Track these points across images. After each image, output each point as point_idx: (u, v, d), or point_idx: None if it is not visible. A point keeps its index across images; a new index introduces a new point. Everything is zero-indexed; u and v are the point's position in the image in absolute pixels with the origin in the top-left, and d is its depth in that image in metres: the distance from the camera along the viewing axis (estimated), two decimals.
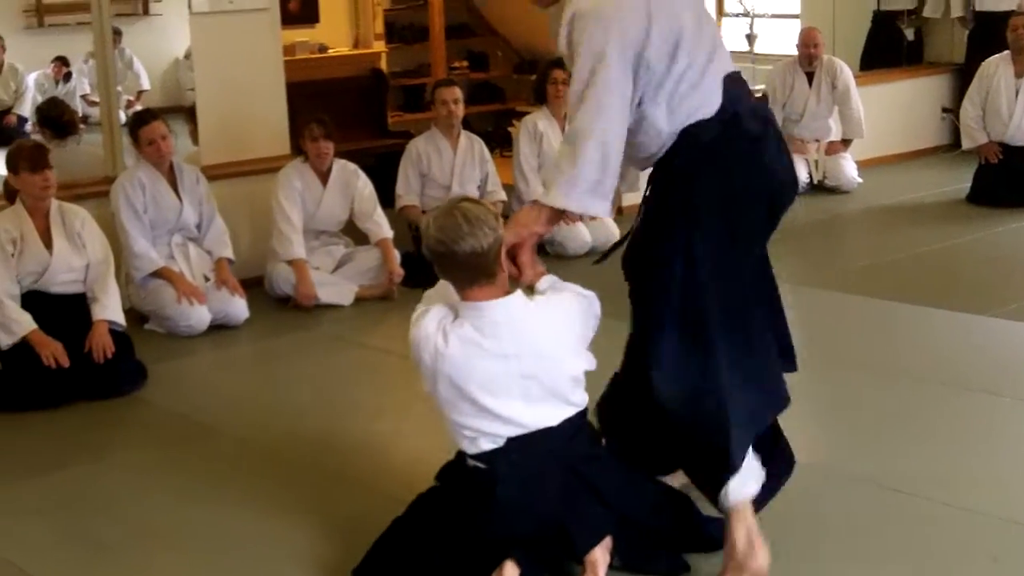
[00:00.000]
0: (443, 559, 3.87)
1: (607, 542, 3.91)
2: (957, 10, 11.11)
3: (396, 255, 7.49)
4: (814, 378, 5.89)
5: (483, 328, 3.81)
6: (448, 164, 7.98)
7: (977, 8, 10.86)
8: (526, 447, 3.88)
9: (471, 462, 3.92)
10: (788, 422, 5.39)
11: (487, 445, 3.87)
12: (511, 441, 3.87)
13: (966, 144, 9.50)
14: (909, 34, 11.41)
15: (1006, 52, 9.32)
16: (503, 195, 8.10)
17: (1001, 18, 10.62)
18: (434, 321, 3.82)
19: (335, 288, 7.32)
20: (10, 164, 6.09)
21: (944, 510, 4.41)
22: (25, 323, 5.89)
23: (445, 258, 3.78)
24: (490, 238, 3.75)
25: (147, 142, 6.87)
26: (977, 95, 9.39)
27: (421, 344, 3.81)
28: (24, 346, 5.87)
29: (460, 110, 8.02)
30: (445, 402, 3.86)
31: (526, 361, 3.85)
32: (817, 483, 4.70)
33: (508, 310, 3.84)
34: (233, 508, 4.64)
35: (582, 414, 4.03)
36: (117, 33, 11.00)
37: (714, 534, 4.07)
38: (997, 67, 9.32)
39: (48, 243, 6.05)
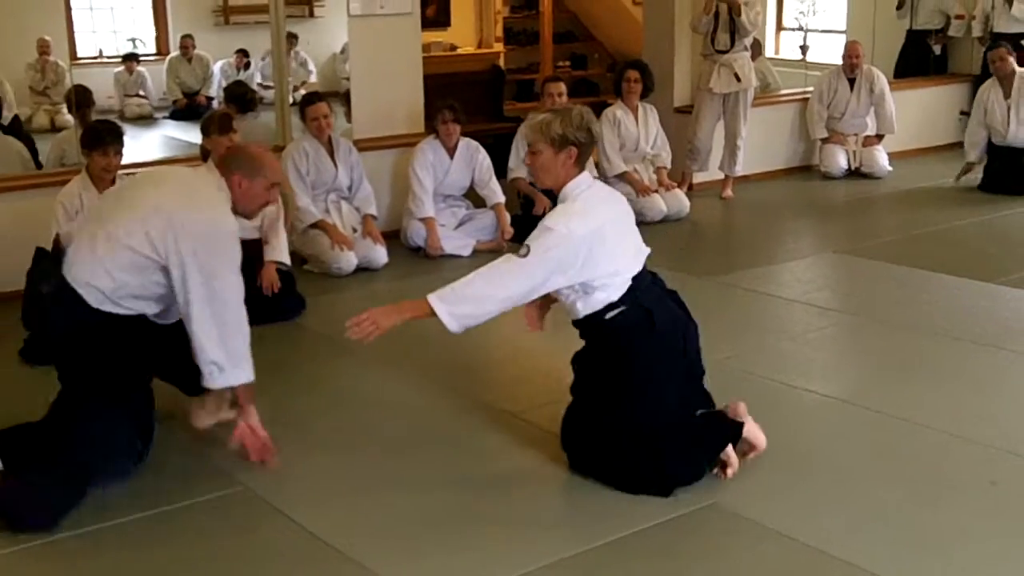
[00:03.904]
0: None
1: None
2: (976, 31, 10.89)
3: (507, 217, 7.48)
4: (846, 329, 5.85)
5: (601, 187, 4.09)
6: None
7: (993, 30, 10.63)
8: (645, 281, 3.99)
9: (610, 314, 3.93)
10: (821, 362, 5.39)
11: (619, 288, 3.91)
12: (635, 280, 3.94)
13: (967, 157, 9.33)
14: (936, 49, 11.18)
15: (993, 78, 9.12)
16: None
17: (1012, 38, 10.42)
18: (580, 216, 3.88)
19: (457, 241, 7.34)
20: (203, 129, 6.13)
21: (950, 440, 4.35)
22: None
23: (592, 144, 4.00)
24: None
25: (312, 119, 6.95)
26: (978, 115, 9.17)
27: (577, 227, 3.82)
28: None
29: (563, 101, 7.96)
30: (591, 260, 3.84)
31: (613, 209, 4.05)
32: (838, 414, 4.68)
33: (588, 178, 4.02)
34: (361, 412, 4.72)
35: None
36: (294, 37, 11.11)
37: None
38: (989, 91, 9.11)
39: None
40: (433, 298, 3.82)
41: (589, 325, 4.02)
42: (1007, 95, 8.99)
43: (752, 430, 4.12)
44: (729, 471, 4.01)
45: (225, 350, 3.95)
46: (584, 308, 3.97)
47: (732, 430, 4.07)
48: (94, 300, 3.98)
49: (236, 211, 4.11)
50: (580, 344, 4.13)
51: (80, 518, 3.82)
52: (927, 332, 5.64)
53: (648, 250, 4.12)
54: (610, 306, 3.94)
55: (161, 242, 3.90)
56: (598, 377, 4.03)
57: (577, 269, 3.85)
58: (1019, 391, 4.93)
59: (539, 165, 3.98)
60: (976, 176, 9.12)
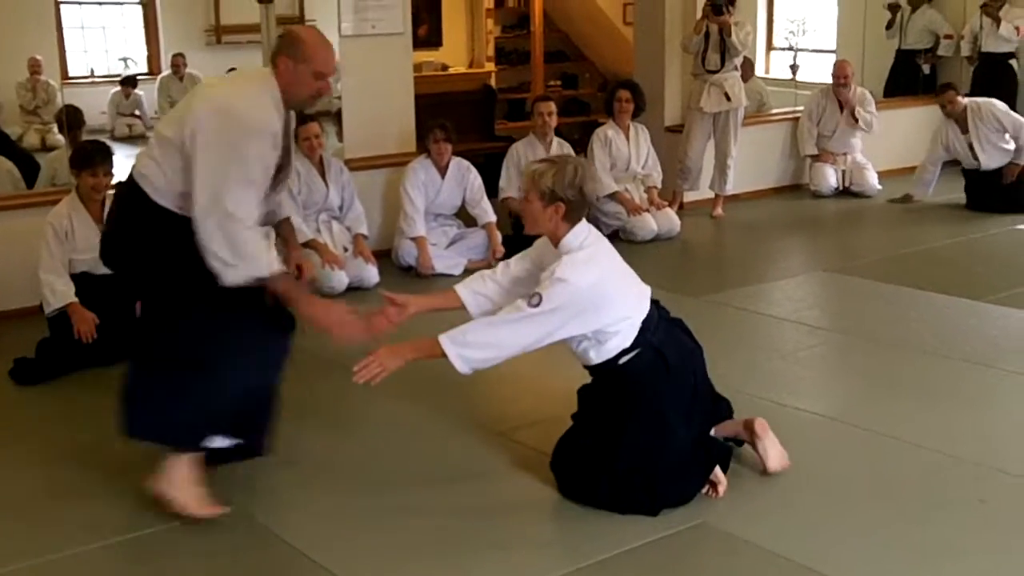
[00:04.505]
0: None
1: None
2: (965, 51, 10.98)
3: (498, 236, 7.50)
4: (836, 347, 5.87)
5: (597, 236, 3.99)
6: None
7: (982, 50, 10.71)
8: (654, 321, 3.98)
9: (624, 359, 3.93)
10: (811, 381, 5.40)
11: (631, 333, 3.90)
12: (644, 323, 3.94)
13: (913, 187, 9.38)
14: (926, 69, 11.26)
15: (944, 116, 9.16)
16: None
17: (1000, 58, 10.53)
18: (585, 264, 3.87)
19: (448, 261, 7.35)
20: None
21: (940, 458, 4.36)
22: None
23: (584, 203, 3.95)
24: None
25: (303, 139, 6.94)
26: (936, 153, 9.19)
27: (586, 276, 3.82)
28: None
29: (553, 121, 7.99)
30: (603, 306, 3.84)
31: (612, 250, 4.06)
32: (828, 432, 4.69)
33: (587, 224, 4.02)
34: (353, 430, 4.73)
35: None
36: None
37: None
38: (946, 130, 9.12)
39: None
40: (444, 340, 3.81)
41: (602, 371, 4.02)
42: (964, 131, 9.03)
43: (768, 450, 4.18)
44: (720, 489, 4.02)
45: (232, 250, 3.68)
46: (597, 356, 3.96)
47: (721, 453, 4.08)
48: (154, 194, 3.82)
49: (288, 104, 3.90)
50: (571, 365, 4.14)
51: (70, 539, 3.82)
52: (916, 350, 5.66)
53: (649, 289, 4.11)
54: (623, 351, 3.94)
55: (186, 133, 3.72)
56: (605, 409, 4.04)
57: (591, 316, 3.85)
58: (1008, 409, 4.95)
59: (528, 213, 3.97)
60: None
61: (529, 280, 4.02)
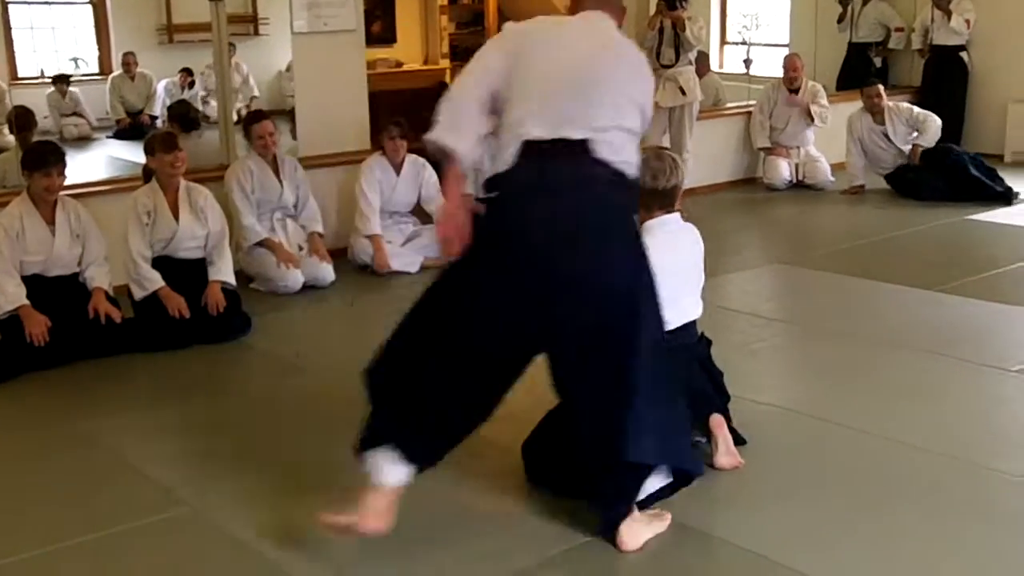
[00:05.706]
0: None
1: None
2: (916, 44, 11.11)
3: None
4: (792, 339, 5.92)
5: (669, 229, 4.11)
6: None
7: (933, 43, 10.83)
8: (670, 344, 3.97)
9: None
10: (766, 373, 5.45)
11: None
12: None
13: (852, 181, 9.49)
14: (877, 62, 11.37)
15: (861, 111, 9.32)
16: None
17: (950, 50, 10.64)
18: None
19: (405, 258, 7.34)
20: (147, 148, 6.06)
21: (893, 446, 4.42)
22: (156, 280, 5.89)
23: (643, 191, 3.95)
24: (675, 180, 4.11)
25: (257, 137, 6.92)
26: (855, 146, 9.37)
27: None
28: (154, 299, 5.89)
29: None
30: None
31: (682, 260, 4.13)
32: (783, 423, 4.73)
33: (676, 221, 4.15)
34: (314, 432, 4.70)
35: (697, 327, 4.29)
36: (231, 46, 11.08)
37: None
38: (859, 122, 9.30)
39: (176, 215, 6.03)
40: None
41: None
42: (880, 122, 9.21)
43: (719, 446, 4.22)
44: None
45: None
46: None
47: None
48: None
49: None
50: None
51: (27, 542, 3.81)
52: (870, 341, 5.72)
53: (693, 317, 4.22)
54: None
55: (643, 100, 3.81)
56: None
57: None
58: (960, 397, 5.01)
59: None
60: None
61: None
